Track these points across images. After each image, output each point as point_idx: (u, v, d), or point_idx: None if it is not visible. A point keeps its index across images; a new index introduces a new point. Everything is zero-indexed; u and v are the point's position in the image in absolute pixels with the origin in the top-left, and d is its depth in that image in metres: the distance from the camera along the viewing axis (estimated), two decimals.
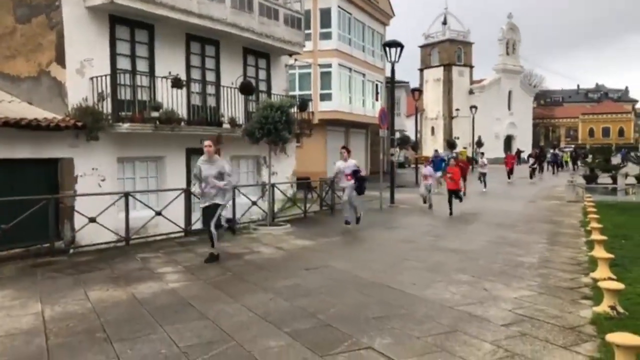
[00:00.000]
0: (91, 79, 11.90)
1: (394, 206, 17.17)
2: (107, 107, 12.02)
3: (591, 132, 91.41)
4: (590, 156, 34.16)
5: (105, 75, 11.98)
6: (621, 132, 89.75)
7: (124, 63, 12.85)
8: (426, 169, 17.72)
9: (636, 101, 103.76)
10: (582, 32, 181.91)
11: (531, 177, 29.71)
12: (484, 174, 23.65)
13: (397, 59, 17.79)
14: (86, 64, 11.90)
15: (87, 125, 11.43)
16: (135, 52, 13.15)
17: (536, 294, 6.38)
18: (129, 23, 12.86)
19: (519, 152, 39.69)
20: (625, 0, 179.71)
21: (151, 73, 13.30)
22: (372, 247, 10.12)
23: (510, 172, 28.90)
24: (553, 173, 36.10)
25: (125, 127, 12.10)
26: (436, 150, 27.46)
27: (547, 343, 4.71)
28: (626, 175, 20.58)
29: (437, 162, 22.36)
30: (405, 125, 44.54)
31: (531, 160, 31.40)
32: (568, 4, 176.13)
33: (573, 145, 62.67)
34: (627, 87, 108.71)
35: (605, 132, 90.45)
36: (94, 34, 12.10)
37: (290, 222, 13.02)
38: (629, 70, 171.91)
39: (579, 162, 41.48)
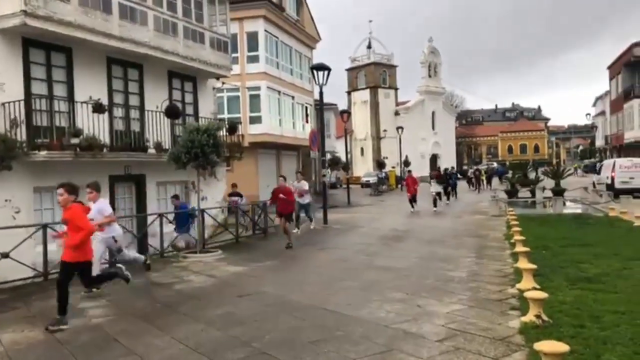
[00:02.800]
0: (2, 104, 11.19)
1: (327, 226, 17.21)
2: (21, 134, 11.33)
3: (510, 149, 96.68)
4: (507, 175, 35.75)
5: (19, 101, 11.31)
6: (537, 149, 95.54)
7: (39, 88, 12.20)
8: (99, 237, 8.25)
9: (548, 119, 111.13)
10: (498, 55, 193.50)
11: (435, 204, 21.78)
12: (305, 207, 16.07)
13: (324, 82, 18.07)
14: None
15: None
16: (52, 77, 12.53)
17: (467, 307, 6.52)
18: (45, 46, 12.26)
19: (445, 172, 29.09)
20: (537, 26, 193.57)
21: (70, 98, 12.70)
22: (306, 269, 10.03)
23: (413, 199, 22.05)
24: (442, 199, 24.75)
25: (42, 155, 11.44)
26: (176, 197, 14.52)
27: (480, 356, 4.79)
28: (543, 189, 21.84)
29: (181, 217, 13.62)
30: (336, 146, 45.15)
31: (433, 184, 22.89)
32: (484, 30, 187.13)
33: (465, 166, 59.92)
34: (539, 107, 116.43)
35: (523, 148, 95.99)
36: (6, 58, 11.43)
37: (222, 248, 12.70)
38: (541, 90, 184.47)
39: (482, 181, 38.17)
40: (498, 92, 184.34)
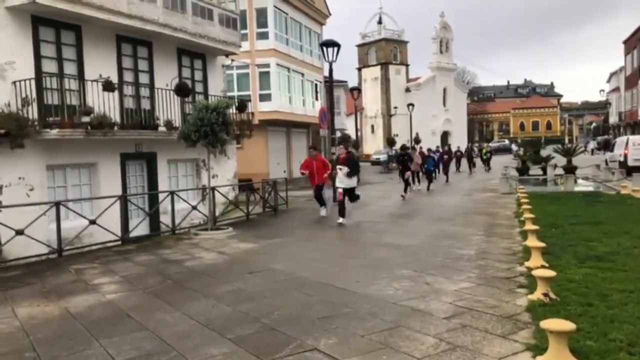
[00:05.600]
0: (14, 83, 11.25)
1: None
2: (32, 112, 11.41)
3: (522, 126, 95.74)
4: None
5: (30, 79, 11.36)
6: (549, 126, 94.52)
7: (50, 66, 12.24)
8: None
9: (561, 96, 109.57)
10: (511, 30, 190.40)
11: (341, 212, 12.84)
12: None
13: (334, 59, 17.89)
14: (7, 67, 11.25)
15: (10, 132, 10.79)
16: (62, 55, 12.55)
17: (475, 285, 6.56)
18: (54, 24, 12.26)
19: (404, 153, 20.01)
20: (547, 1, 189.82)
21: (80, 76, 12.73)
22: (315, 247, 10.11)
23: (318, 194, 14.47)
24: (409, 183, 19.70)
25: (53, 133, 11.53)
26: None
27: (487, 333, 4.83)
28: (555, 166, 21.69)
29: None
30: (346, 124, 45.04)
31: (340, 174, 13.09)
32: (497, 4, 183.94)
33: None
34: (552, 83, 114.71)
35: (535, 125, 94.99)
36: (16, 36, 11.45)
37: (233, 226, 12.82)
38: (554, 66, 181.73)
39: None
40: (510, 68, 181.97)
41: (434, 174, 23.93)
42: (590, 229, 9.83)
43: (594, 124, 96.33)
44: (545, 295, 5.42)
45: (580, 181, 21.22)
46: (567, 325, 3.89)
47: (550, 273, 5.58)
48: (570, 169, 20.62)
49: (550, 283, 5.51)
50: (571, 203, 14.29)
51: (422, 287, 6.57)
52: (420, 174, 22.77)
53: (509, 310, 5.45)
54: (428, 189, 21.64)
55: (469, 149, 36.41)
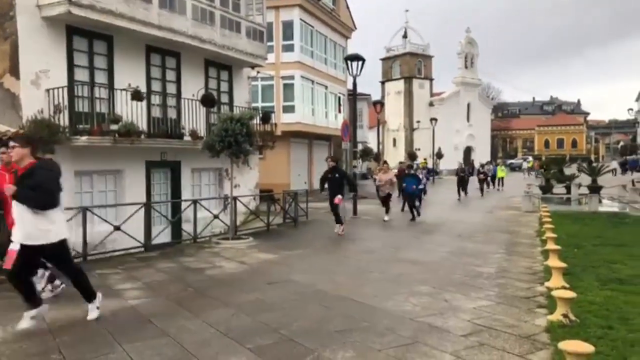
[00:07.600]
0: (47, 90, 11.63)
1: (357, 217, 17.29)
2: (64, 119, 11.75)
3: (547, 144, 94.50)
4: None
5: (62, 87, 11.72)
6: (574, 144, 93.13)
7: (81, 74, 12.61)
8: None
9: (588, 113, 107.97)
10: (538, 46, 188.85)
11: (92, 298, 6.17)
12: None
13: (358, 73, 18.03)
14: (42, 75, 11.63)
15: (42, 138, 11.11)
16: (94, 64, 12.93)
17: (494, 303, 6.54)
18: (87, 34, 12.65)
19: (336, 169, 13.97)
20: (579, 17, 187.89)
21: (110, 85, 13.08)
22: (334, 259, 10.16)
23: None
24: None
25: (83, 140, 11.84)
26: None
27: (504, 352, 4.83)
28: (579, 186, 21.38)
29: None
30: (368, 137, 45.08)
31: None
32: (524, 20, 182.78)
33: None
34: (579, 100, 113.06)
35: (560, 143, 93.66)
36: (50, 45, 11.84)
37: (253, 236, 12.95)
38: (582, 84, 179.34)
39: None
40: (536, 85, 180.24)
41: (417, 199, 17.26)
42: (614, 250, 9.71)
43: (621, 143, 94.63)
44: (565, 316, 5.40)
45: (605, 201, 20.89)
46: (586, 347, 3.87)
47: (571, 294, 5.55)
48: (595, 189, 20.27)
49: (570, 304, 5.48)
50: (595, 223, 14.11)
51: (440, 303, 6.58)
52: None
53: (527, 330, 5.44)
54: (413, 218, 16.19)
55: (467, 168, 27.81)
